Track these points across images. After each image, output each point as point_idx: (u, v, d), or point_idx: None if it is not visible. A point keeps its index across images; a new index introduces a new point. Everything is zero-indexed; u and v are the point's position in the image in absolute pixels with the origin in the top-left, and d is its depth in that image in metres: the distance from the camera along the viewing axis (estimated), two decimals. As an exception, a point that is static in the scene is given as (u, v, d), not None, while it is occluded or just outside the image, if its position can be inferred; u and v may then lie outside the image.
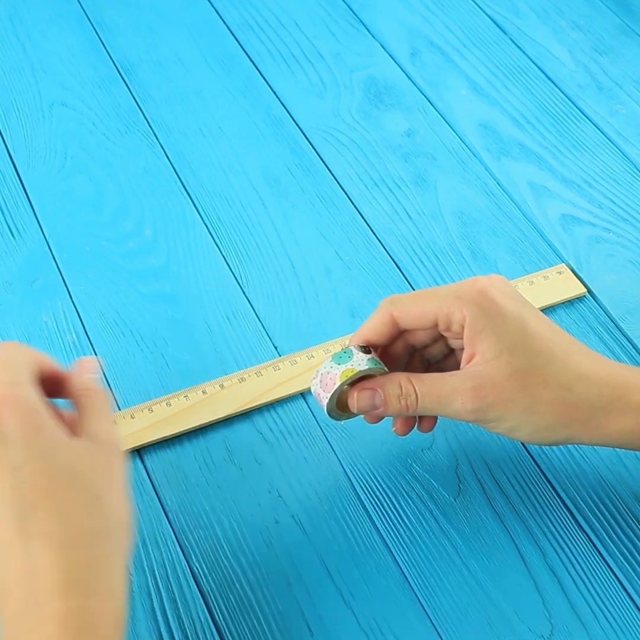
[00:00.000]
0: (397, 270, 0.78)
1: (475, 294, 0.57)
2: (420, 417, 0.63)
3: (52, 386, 0.54)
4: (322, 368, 0.60)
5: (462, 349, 0.59)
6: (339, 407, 0.61)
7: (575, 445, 0.66)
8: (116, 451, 0.52)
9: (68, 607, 0.45)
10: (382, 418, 0.62)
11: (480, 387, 0.56)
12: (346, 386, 0.60)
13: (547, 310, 0.74)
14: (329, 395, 0.59)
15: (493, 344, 0.56)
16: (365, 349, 0.60)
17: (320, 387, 0.60)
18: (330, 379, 0.59)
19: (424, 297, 0.59)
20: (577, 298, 0.75)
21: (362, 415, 0.62)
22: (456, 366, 0.60)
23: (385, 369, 0.60)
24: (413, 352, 0.63)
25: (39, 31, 0.97)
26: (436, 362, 0.63)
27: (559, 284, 0.76)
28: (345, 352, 0.60)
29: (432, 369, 0.63)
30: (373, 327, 0.60)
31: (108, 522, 0.49)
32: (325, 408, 0.60)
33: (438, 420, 0.65)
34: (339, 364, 0.59)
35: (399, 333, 0.61)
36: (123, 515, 0.50)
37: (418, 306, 0.59)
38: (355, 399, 0.59)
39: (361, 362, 0.59)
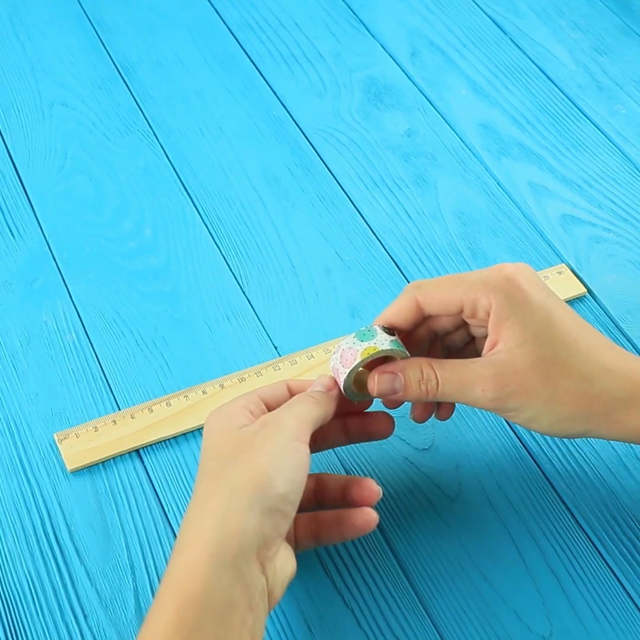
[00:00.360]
0: (397, 270, 0.78)
1: (502, 280, 0.57)
2: (439, 404, 0.62)
3: None
4: (344, 343, 0.59)
5: (484, 337, 0.58)
6: (357, 386, 0.60)
7: (576, 446, 0.67)
8: (266, 423, 0.56)
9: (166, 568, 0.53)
10: (401, 403, 0.62)
11: (502, 375, 0.56)
12: (362, 368, 0.60)
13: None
14: (347, 371, 0.59)
15: (517, 332, 0.56)
16: (389, 330, 0.60)
17: (340, 362, 0.59)
18: (352, 354, 0.59)
19: (451, 283, 0.59)
20: (577, 298, 0.75)
21: (381, 400, 0.62)
22: (476, 354, 0.60)
23: (407, 353, 0.59)
24: (434, 339, 0.62)
25: (39, 31, 0.97)
26: (456, 350, 0.63)
27: (559, 284, 0.76)
28: (369, 330, 0.59)
29: (452, 357, 0.62)
30: (397, 311, 0.60)
31: (227, 481, 0.54)
32: (342, 384, 0.60)
33: (436, 423, 0.65)
34: (362, 341, 0.59)
35: (422, 319, 0.60)
36: (254, 468, 0.54)
37: (444, 291, 0.58)
38: (376, 382, 0.59)
39: (384, 342, 0.59)
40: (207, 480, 0.55)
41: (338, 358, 0.59)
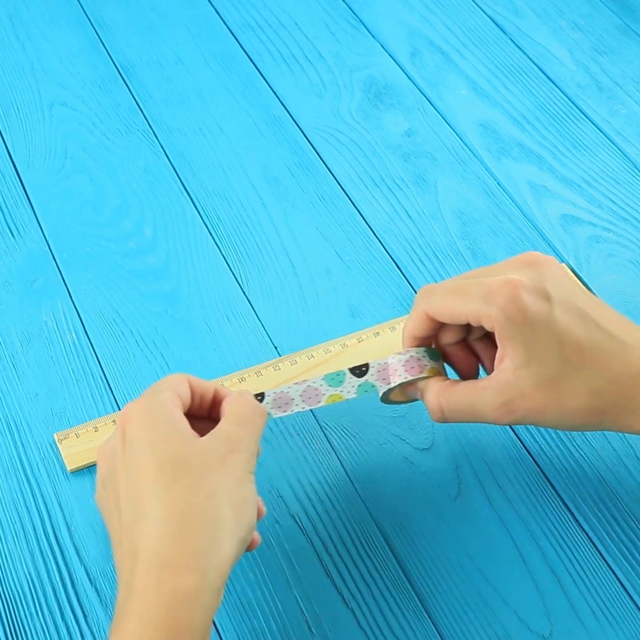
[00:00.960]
0: (397, 270, 0.78)
1: (503, 302, 0.56)
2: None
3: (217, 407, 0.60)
4: (414, 351, 0.61)
5: None
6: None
7: (576, 446, 0.67)
8: (233, 448, 0.55)
9: (146, 584, 0.50)
10: None
11: (510, 402, 0.57)
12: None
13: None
14: (408, 377, 0.60)
15: (521, 352, 0.56)
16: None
17: (403, 366, 0.61)
18: (419, 366, 0.61)
19: (455, 296, 0.59)
20: (577, 298, 0.75)
21: None
22: None
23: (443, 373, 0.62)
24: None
25: (39, 31, 0.97)
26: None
27: (559, 284, 0.76)
28: (434, 351, 0.62)
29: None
30: (413, 326, 0.61)
31: (207, 499, 0.53)
32: (393, 384, 0.61)
33: (437, 423, 0.66)
34: (431, 359, 0.61)
35: (441, 324, 0.61)
36: (227, 496, 0.53)
37: (449, 306, 0.59)
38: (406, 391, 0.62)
39: (441, 367, 0.61)
40: (179, 491, 0.53)
41: (402, 361, 0.61)
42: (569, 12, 0.99)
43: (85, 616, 0.60)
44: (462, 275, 0.61)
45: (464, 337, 0.62)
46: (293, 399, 0.61)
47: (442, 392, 0.59)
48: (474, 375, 0.62)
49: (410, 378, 0.60)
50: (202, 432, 0.56)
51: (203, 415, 0.59)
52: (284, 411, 0.61)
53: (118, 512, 0.54)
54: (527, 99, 0.91)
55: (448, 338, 0.61)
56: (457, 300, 0.58)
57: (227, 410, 0.57)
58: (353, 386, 0.61)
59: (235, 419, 0.57)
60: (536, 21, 0.98)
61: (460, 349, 0.62)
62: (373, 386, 0.61)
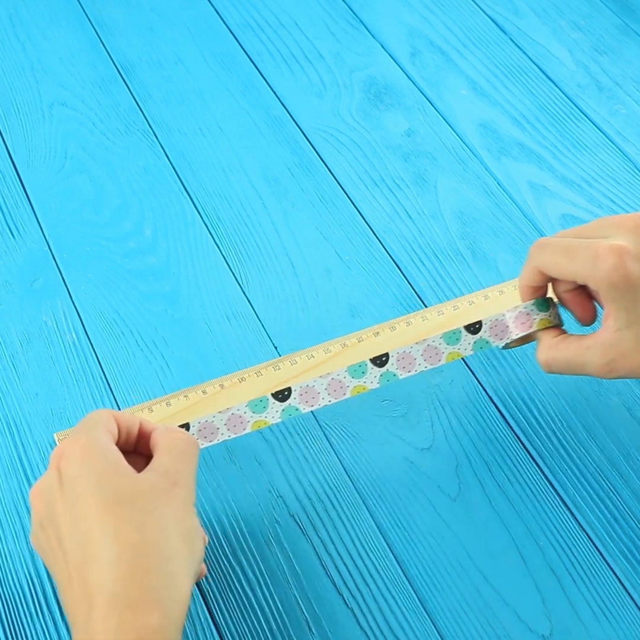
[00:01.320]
0: (397, 270, 0.78)
1: (608, 268, 0.58)
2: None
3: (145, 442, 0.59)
4: (523, 307, 0.64)
5: None
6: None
7: (576, 445, 0.67)
8: (175, 481, 0.55)
9: (107, 625, 0.49)
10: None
11: (613, 362, 0.59)
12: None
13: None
14: (521, 334, 0.64)
15: (623, 315, 0.58)
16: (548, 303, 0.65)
17: (515, 322, 0.64)
18: (529, 321, 0.64)
19: (564, 257, 0.61)
20: (577, 298, 0.75)
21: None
22: None
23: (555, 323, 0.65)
24: None
25: (39, 31, 0.97)
26: None
27: (559, 284, 0.76)
28: (543, 302, 0.65)
29: None
30: (527, 278, 0.64)
31: (159, 534, 0.52)
32: (507, 340, 0.65)
33: (436, 423, 0.65)
34: (540, 311, 0.64)
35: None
36: (177, 530, 0.53)
37: (558, 265, 0.61)
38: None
39: (553, 315, 0.65)
40: (128, 528, 0.52)
41: (512, 317, 0.64)
42: (569, 12, 0.99)
43: (85, 616, 0.60)
44: (574, 230, 0.63)
45: (578, 285, 0.63)
46: (218, 428, 0.62)
47: (551, 349, 0.62)
48: (591, 320, 0.64)
49: (521, 334, 0.64)
50: (133, 466, 0.55)
51: (129, 449, 0.58)
52: (210, 441, 0.62)
53: (62, 552, 0.53)
54: (527, 99, 0.91)
55: (563, 286, 0.63)
56: (566, 260, 0.61)
57: (161, 443, 0.57)
58: (277, 411, 0.62)
59: (171, 453, 0.56)
60: (536, 21, 0.98)
61: (576, 296, 0.64)
62: (297, 409, 0.62)
